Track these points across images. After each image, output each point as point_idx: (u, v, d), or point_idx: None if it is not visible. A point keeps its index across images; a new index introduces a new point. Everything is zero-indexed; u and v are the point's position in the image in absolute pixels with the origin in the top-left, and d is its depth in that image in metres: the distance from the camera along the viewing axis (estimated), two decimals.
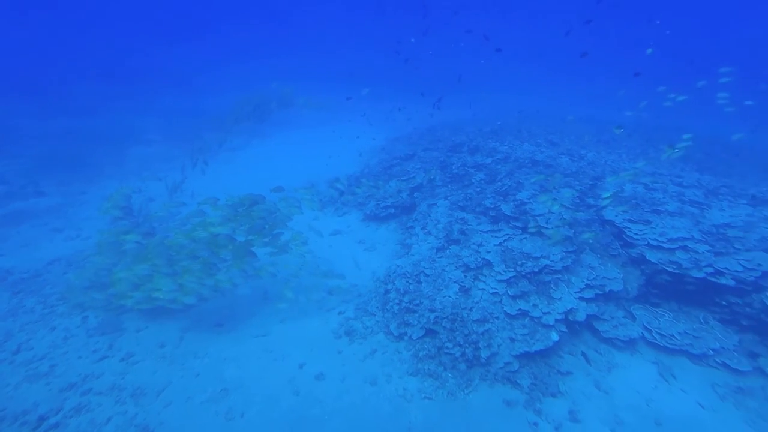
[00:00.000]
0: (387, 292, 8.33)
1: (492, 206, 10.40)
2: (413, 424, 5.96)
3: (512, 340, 6.93)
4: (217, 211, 8.16)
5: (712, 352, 6.61)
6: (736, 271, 7.12)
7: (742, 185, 12.29)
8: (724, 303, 7.14)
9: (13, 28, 58.11)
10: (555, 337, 6.84)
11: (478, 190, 11.93)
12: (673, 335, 6.90)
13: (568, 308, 7.15)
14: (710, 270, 7.26)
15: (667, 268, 7.51)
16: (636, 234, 8.48)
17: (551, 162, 13.50)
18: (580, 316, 7.08)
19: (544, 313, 7.12)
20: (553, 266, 7.93)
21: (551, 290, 7.57)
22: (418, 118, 24.38)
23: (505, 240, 8.95)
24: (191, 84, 39.00)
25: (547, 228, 9.01)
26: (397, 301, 7.97)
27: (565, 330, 6.99)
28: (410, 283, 8.30)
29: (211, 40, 62.63)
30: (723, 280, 7.07)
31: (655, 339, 6.94)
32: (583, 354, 7.05)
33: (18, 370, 6.66)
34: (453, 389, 6.46)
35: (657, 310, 7.53)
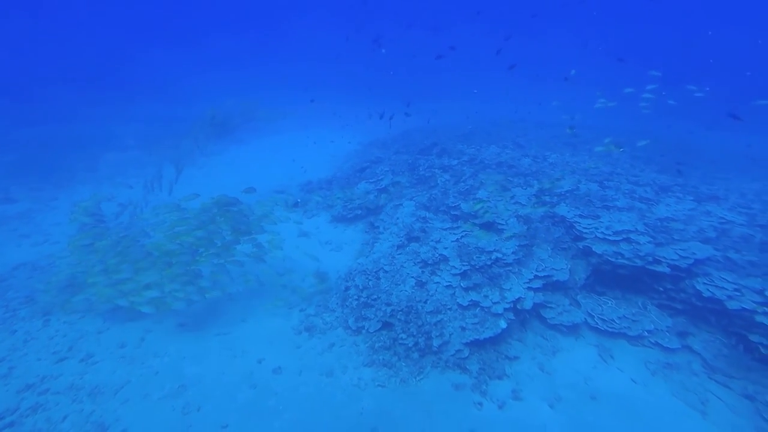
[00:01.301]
0: (347, 288, 8.59)
1: (453, 205, 10.78)
2: (365, 410, 6.21)
3: (463, 329, 7.25)
4: (195, 217, 8.44)
5: (647, 334, 7.05)
6: (672, 260, 7.58)
7: (695, 183, 12.93)
8: (661, 289, 7.58)
9: None
10: (503, 324, 7.18)
11: (442, 190, 12.31)
12: (613, 320, 7.31)
13: (517, 297, 7.50)
14: (649, 259, 7.70)
15: (610, 259, 7.93)
16: (585, 228, 8.91)
17: (514, 163, 14.00)
18: (527, 305, 7.44)
19: (494, 303, 7.46)
20: (504, 259, 8.30)
21: (502, 282, 7.92)
22: (394, 123, 24.77)
23: (462, 236, 9.30)
24: (170, 91, 38.94)
25: (504, 225, 9.42)
26: (356, 296, 8.23)
27: (513, 318, 7.34)
28: (369, 280, 8.57)
29: (192, 48, 62.74)
30: (660, 268, 7.51)
31: (597, 324, 7.34)
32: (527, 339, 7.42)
33: None
34: (406, 377, 6.73)
35: (601, 297, 7.94)
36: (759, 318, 6.15)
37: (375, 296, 8.10)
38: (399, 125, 24.09)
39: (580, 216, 9.34)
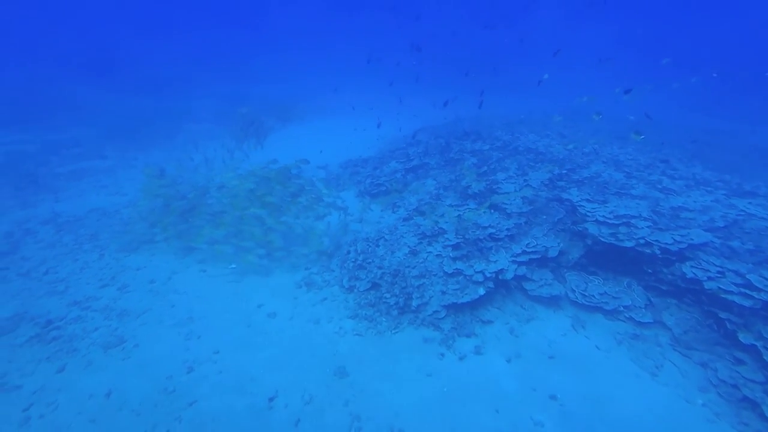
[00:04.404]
0: (348, 252, 9.32)
1: (467, 185, 11.11)
2: (339, 352, 6.92)
3: (443, 293, 7.69)
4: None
5: (623, 309, 7.06)
6: (666, 244, 7.43)
7: (740, 180, 12.05)
8: (650, 271, 7.47)
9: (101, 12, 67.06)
10: (481, 291, 7.53)
11: (466, 172, 12.62)
12: (593, 295, 7.35)
13: (500, 269, 7.78)
14: (642, 242, 7.60)
15: (602, 239, 7.92)
16: (588, 211, 8.88)
17: (545, 150, 13.90)
18: (509, 276, 7.70)
19: (477, 272, 7.81)
20: (497, 234, 8.57)
21: (491, 254, 8.22)
22: (452, 110, 24.99)
23: (465, 213, 9.63)
24: (245, 71, 42.54)
25: (508, 204, 9.63)
26: (353, 259, 8.94)
27: (493, 287, 7.64)
28: (369, 246, 9.23)
29: (265, 32, 67.78)
30: (649, 250, 7.41)
31: (577, 298, 7.43)
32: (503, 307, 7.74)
33: (43, 287, 8.49)
34: (383, 329, 7.35)
35: (590, 276, 7.96)
36: (731, 297, 5.99)
37: (370, 260, 8.76)
38: (456, 112, 24.39)
39: (587, 200, 9.29)
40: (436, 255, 8.52)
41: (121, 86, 32.05)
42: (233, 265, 9.34)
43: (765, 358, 5.32)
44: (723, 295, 6.15)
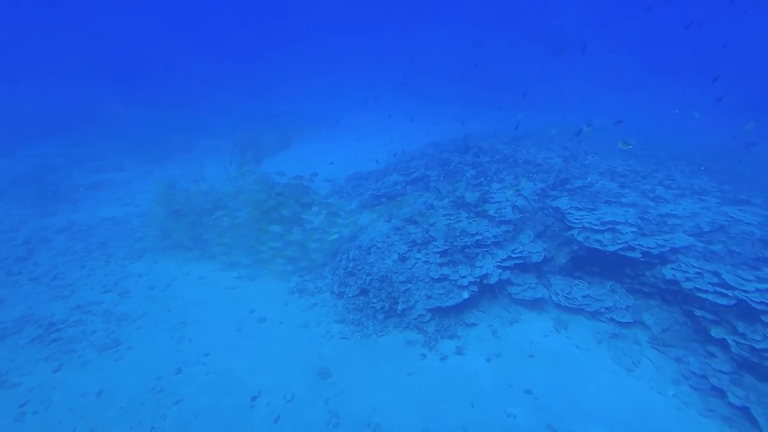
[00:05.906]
0: (340, 260, 9.56)
1: (461, 195, 11.30)
2: (324, 354, 7.12)
3: (429, 297, 7.86)
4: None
5: (604, 310, 7.13)
6: (649, 248, 7.50)
7: (737, 190, 11.94)
8: (632, 274, 7.54)
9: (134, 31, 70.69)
10: (465, 295, 7.67)
11: (464, 185, 12.82)
12: (576, 298, 7.44)
13: (484, 273, 7.93)
14: (624, 246, 7.68)
15: (586, 245, 8.01)
16: (576, 219, 8.98)
17: (543, 162, 14.04)
18: (493, 280, 7.84)
19: (462, 277, 7.97)
20: (484, 241, 8.72)
21: (477, 260, 8.37)
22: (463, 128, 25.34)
23: (455, 222, 9.82)
24: (265, 89, 43.95)
25: (496, 213, 9.79)
26: (344, 267, 9.17)
27: (477, 291, 7.78)
28: (361, 253, 9.46)
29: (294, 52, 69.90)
30: (632, 254, 7.48)
31: (560, 301, 7.52)
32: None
33: (50, 291, 8.99)
34: (369, 333, 7.54)
35: (575, 280, 8.04)
36: (707, 296, 6.08)
37: (360, 267, 8.98)
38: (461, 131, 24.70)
39: (576, 208, 9.39)
40: (424, 261, 8.70)
41: (147, 102, 33.69)
42: (234, 274, 9.68)
43: (732, 350, 5.45)
44: (699, 294, 6.23)
